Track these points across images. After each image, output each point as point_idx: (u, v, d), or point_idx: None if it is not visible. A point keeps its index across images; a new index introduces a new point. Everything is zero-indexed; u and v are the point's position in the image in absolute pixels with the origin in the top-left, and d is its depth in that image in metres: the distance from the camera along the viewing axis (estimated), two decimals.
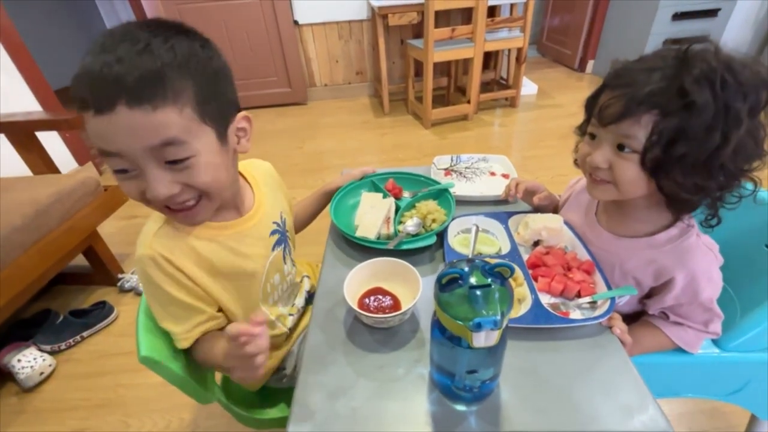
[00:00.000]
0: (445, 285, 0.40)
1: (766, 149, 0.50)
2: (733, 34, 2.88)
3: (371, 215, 0.75)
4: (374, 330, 0.56)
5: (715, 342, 0.65)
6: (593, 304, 0.57)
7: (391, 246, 0.67)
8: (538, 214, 0.71)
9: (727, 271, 0.69)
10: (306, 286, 0.78)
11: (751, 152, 0.49)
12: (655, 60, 0.51)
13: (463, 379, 0.43)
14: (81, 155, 2.20)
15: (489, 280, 0.39)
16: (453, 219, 0.73)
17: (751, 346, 0.63)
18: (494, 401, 0.47)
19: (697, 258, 0.57)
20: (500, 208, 0.80)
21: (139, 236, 0.55)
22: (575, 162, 0.69)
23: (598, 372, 0.49)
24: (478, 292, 0.38)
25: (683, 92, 0.47)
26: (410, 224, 0.74)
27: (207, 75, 0.46)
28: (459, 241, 0.71)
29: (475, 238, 0.70)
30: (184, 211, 0.51)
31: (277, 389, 0.75)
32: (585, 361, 0.51)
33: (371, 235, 0.70)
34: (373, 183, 0.88)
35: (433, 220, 0.75)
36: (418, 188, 0.86)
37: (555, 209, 0.79)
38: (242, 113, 0.54)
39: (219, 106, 0.49)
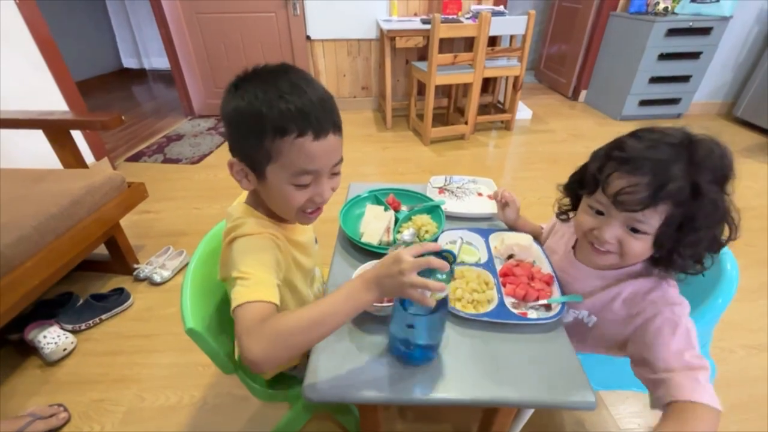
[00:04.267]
0: None
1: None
2: (713, 82, 3.11)
3: (374, 225, 0.89)
4: (373, 316, 0.70)
5: None
6: (548, 308, 0.70)
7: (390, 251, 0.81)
8: (513, 233, 0.86)
9: None
10: (318, 273, 0.88)
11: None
12: (665, 149, 0.55)
13: (407, 340, 0.58)
14: (98, 151, 2.32)
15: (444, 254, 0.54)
16: (443, 231, 0.88)
17: None
18: (457, 372, 0.60)
19: (666, 291, 0.62)
20: (483, 224, 0.94)
21: (244, 223, 0.61)
22: (558, 216, 0.78)
23: (547, 359, 0.62)
24: (422, 270, 0.52)
25: (696, 186, 0.53)
26: (406, 234, 0.88)
27: None
28: None
29: (459, 248, 0.84)
30: (317, 212, 0.66)
31: (285, 374, 0.87)
32: (536, 350, 0.64)
33: (374, 241, 0.84)
34: (376, 197, 1.01)
35: (426, 231, 0.89)
36: (414, 203, 1.00)
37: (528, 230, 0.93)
38: None
39: None
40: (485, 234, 0.87)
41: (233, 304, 0.52)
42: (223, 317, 0.80)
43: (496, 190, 0.91)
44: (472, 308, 0.69)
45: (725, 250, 0.77)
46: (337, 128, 0.59)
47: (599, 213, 0.62)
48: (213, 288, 0.79)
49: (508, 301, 0.70)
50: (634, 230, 0.58)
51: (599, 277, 0.70)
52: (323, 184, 0.61)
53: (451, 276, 0.54)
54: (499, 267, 0.78)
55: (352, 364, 0.62)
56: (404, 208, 1.00)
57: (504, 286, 0.73)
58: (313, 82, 0.58)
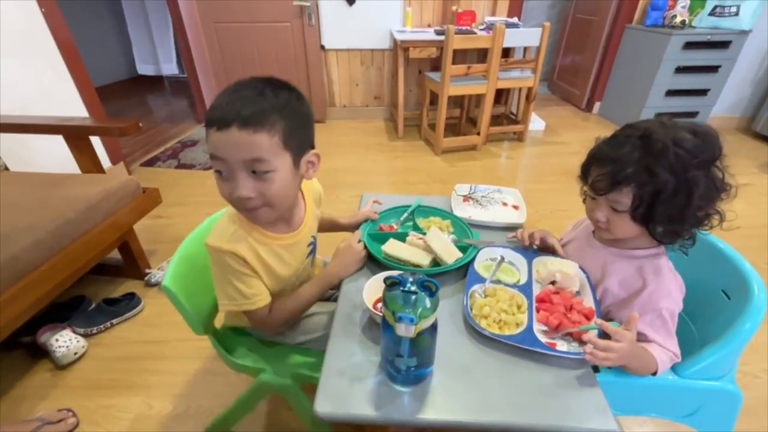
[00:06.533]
0: (390, 285, 0.53)
1: (726, 186, 0.66)
2: (731, 95, 3.06)
3: (438, 244, 0.82)
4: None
5: (673, 369, 0.75)
6: (582, 342, 0.64)
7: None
8: (558, 259, 0.81)
9: (691, 311, 0.81)
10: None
11: (713, 195, 0.66)
12: (627, 144, 0.68)
13: (394, 361, 0.56)
14: (115, 155, 2.36)
15: (417, 289, 0.52)
16: (478, 249, 0.84)
17: (704, 374, 0.74)
18: (455, 391, 0.58)
19: (662, 275, 0.73)
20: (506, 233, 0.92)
21: (214, 229, 0.70)
22: (584, 201, 0.84)
23: (566, 383, 0.60)
24: (405, 296, 0.51)
25: (650, 170, 0.64)
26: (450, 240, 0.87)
27: (296, 117, 0.64)
28: (484, 266, 0.81)
29: (497, 266, 0.80)
30: (250, 211, 0.66)
31: (264, 343, 0.90)
32: (556, 375, 0.61)
33: (460, 256, 0.82)
34: (370, 235, 0.90)
35: (447, 227, 0.92)
36: (398, 217, 0.98)
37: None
38: (314, 150, 0.70)
39: (298, 140, 0.65)
40: (530, 256, 0.83)
41: (239, 308, 0.72)
42: (204, 282, 0.80)
43: (523, 235, 0.88)
44: (497, 328, 0.67)
45: (752, 272, 0.75)
46: (245, 124, 0.58)
47: (593, 198, 0.76)
48: (200, 257, 0.78)
49: (538, 328, 0.66)
50: (615, 209, 0.71)
51: (609, 253, 0.80)
52: (239, 179, 0.61)
53: (436, 305, 0.53)
54: (537, 292, 0.74)
55: (364, 381, 0.60)
56: (394, 226, 0.96)
57: (538, 311, 0.69)
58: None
